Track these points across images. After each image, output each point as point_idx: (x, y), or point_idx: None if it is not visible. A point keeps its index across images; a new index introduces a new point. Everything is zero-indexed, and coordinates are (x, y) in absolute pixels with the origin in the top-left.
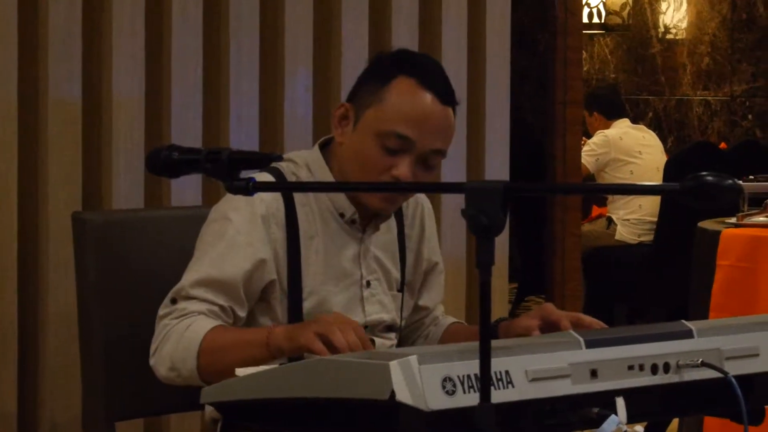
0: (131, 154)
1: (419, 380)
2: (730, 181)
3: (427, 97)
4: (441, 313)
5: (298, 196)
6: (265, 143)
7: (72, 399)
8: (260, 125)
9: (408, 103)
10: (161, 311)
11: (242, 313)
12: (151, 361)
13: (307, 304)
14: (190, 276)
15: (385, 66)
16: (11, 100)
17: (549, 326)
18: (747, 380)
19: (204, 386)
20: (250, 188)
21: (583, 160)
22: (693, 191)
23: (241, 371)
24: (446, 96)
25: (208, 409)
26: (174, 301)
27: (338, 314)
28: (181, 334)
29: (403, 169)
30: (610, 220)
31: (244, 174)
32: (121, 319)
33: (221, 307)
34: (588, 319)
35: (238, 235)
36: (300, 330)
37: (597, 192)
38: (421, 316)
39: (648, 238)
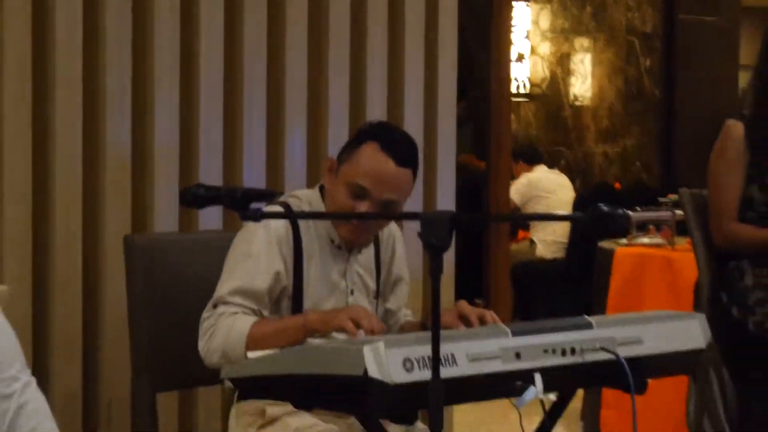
0: (169, 189)
1: (385, 360)
2: (621, 211)
3: (386, 160)
4: (405, 315)
5: (302, 225)
6: (270, 183)
7: (124, 379)
8: (267, 169)
9: (369, 163)
10: (205, 314)
11: (266, 314)
12: (202, 353)
13: (305, 306)
14: (226, 287)
15: (363, 133)
16: (77, 154)
17: (463, 319)
18: (633, 361)
19: None
20: (258, 217)
21: (511, 196)
22: (594, 219)
23: (251, 354)
24: (403, 160)
25: (227, 382)
26: (215, 306)
27: (362, 307)
28: (229, 329)
29: (361, 209)
30: (532, 241)
31: (254, 205)
32: (160, 319)
33: (252, 309)
34: (488, 314)
35: (261, 255)
36: (333, 315)
37: (522, 220)
38: (389, 316)
39: (561, 254)
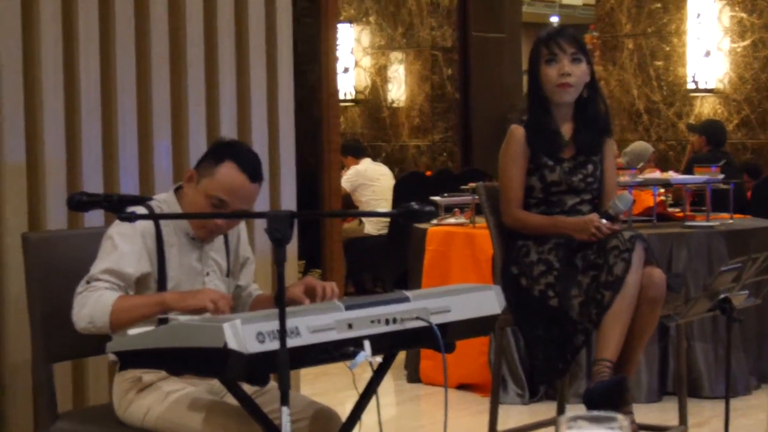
0: (58, 195)
1: (242, 334)
2: (429, 207)
3: (243, 178)
4: (254, 289)
5: (162, 222)
6: (143, 189)
7: (25, 352)
8: (140, 177)
9: (228, 180)
10: (79, 289)
11: (131, 293)
12: (74, 319)
13: (169, 287)
14: (98, 267)
15: (220, 151)
16: None
17: (309, 290)
18: (443, 326)
19: (111, 334)
20: (132, 218)
21: (342, 185)
22: (405, 215)
23: (132, 331)
24: (254, 176)
25: (111, 355)
26: (88, 282)
27: (215, 290)
28: (96, 300)
29: (221, 220)
30: (360, 221)
31: (129, 208)
32: (53, 300)
33: (119, 286)
34: (329, 286)
35: (128, 246)
36: (191, 295)
37: (349, 216)
38: (240, 291)
39: (385, 231)
